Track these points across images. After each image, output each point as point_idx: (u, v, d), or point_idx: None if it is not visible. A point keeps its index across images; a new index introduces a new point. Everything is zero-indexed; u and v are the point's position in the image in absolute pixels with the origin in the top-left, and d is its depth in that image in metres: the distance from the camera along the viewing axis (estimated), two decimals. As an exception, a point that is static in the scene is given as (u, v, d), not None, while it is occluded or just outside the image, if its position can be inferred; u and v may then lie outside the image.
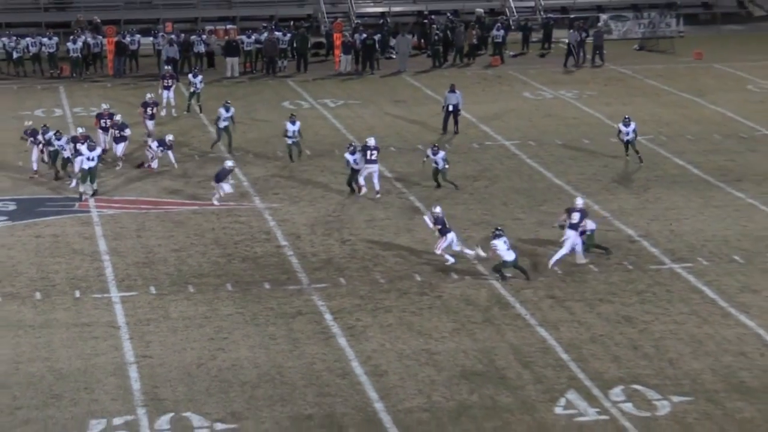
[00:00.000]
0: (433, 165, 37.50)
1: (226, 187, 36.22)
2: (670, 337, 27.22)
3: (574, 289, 30.04)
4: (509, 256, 30.41)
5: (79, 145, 37.19)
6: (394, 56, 58.43)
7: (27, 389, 24.79)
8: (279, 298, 29.53)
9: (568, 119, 47.34)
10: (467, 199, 36.78)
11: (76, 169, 37.54)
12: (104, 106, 42.27)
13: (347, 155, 37.16)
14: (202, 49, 56.89)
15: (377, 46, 57.69)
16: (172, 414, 23.78)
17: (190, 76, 48.94)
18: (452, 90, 44.98)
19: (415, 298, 29.51)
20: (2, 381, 25.14)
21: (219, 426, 23.34)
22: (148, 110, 42.84)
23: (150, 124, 42.69)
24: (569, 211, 31.92)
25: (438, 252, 31.35)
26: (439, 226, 31.38)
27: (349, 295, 29.73)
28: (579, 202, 32.61)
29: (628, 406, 24.09)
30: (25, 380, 25.19)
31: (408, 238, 33.42)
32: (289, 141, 40.68)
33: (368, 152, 36.97)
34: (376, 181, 37.02)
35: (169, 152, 39.87)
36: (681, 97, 51.11)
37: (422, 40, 61.16)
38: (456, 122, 44.87)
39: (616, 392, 24.66)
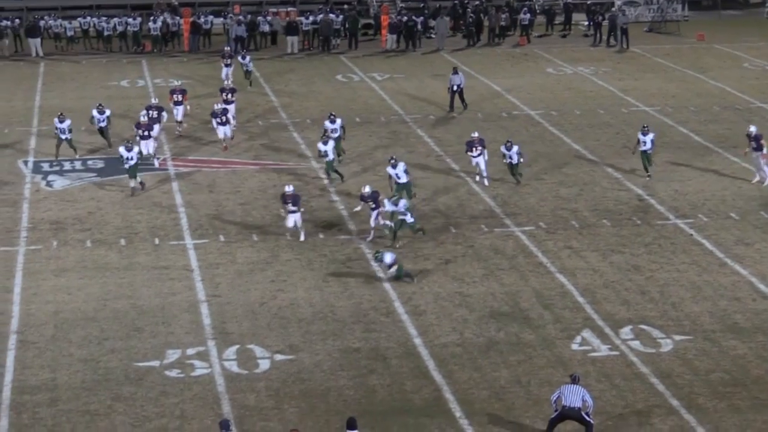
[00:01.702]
0: (508, 161, 34.11)
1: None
2: (673, 284, 27.01)
3: (589, 241, 29.82)
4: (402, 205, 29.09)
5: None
6: (433, 36, 58.06)
7: (113, 323, 24.90)
8: (331, 246, 29.45)
9: (585, 92, 46.89)
10: (496, 162, 36.44)
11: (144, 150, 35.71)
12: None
13: (389, 169, 31.72)
14: (266, 28, 56.82)
15: (419, 27, 57.45)
16: (237, 346, 23.82)
17: (239, 58, 47.27)
18: (455, 72, 43.60)
19: (450, 247, 29.36)
20: (92, 315, 25.26)
21: (278, 357, 23.35)
22: (224, 95, 40.08)
23: (231, 108, 39.59)
24: (758, 141, 33.73)
25: (373, 224, 29.78)
26: (370, 202, 29.60)
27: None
28: (752, 129, 34.17)
29: (636, 344, 23.94)
30: (111, 315, 25.30)
31: (445, 196, 33.25)
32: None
33: (473, 147, 33.85)
34: (483, 167, 34.12)
35: (221, 127, 37.49)
36: (685, 73, 50.54)
37: (460, 22, 60.79)
38: (462, 99, 43.35)
39: (626, 331, 24.51)
